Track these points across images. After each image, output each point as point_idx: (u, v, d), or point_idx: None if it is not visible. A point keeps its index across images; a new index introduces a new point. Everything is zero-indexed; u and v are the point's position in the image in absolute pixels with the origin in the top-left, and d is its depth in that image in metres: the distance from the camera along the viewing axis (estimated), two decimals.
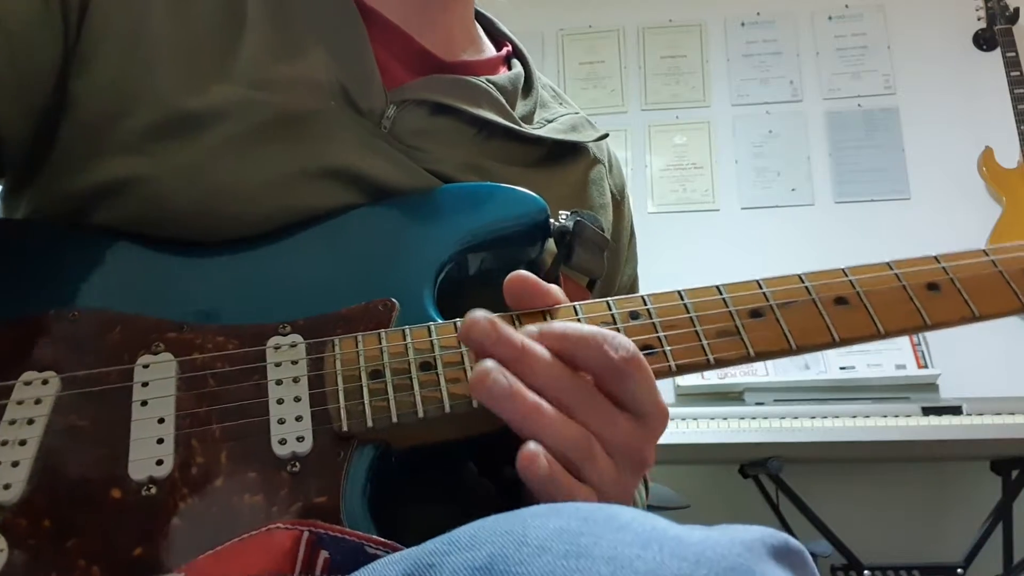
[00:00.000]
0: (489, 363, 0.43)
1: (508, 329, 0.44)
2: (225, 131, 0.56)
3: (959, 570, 2.12)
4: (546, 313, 0.50)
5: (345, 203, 0.57)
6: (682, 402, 2.15)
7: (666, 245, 2.60)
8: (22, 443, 0.44)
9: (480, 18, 0.76)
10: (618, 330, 0.49)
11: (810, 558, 0.34)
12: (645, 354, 0.46)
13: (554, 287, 0.50)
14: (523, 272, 0.50)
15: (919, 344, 2.30)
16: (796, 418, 1.95)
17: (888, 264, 0.54)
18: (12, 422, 0.45)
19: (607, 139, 0.74)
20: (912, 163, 2.62)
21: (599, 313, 0.50)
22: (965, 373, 2.19)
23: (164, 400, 0.47)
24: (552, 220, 0.58)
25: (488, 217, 0.57)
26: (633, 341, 0.45)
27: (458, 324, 0.49)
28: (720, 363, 0.50)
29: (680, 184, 2.74)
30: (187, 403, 0.47)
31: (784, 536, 0.33)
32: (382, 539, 0.40)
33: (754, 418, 1.96)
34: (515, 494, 0.53)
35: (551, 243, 0.60)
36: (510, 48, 0.75)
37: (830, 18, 2.81)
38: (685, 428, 1.96)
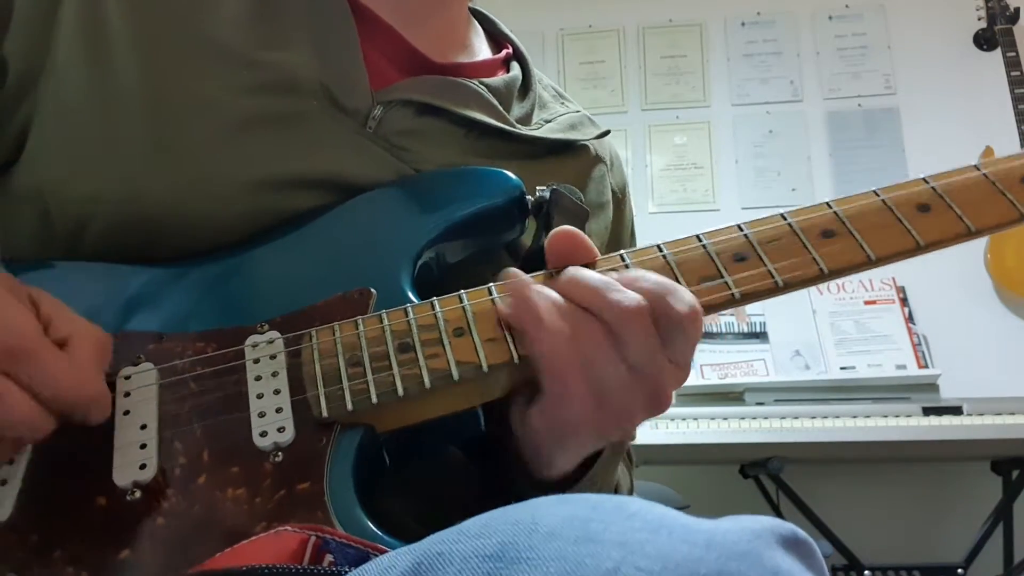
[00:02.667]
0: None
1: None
2: (200, 128, 0.56)
3: (959, 570, 2.12)
4: (595, 263, 0.50)
5: (324, 205, 0.57)
6: (682, 402, 2.15)
7: None
8: (10, 462, 0.45)
9: (481, 19, 0.75)
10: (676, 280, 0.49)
11: (817, 549, 0.33)
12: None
13: (589, 243, 0.51)
14: (569, 228, 0.51)
15: (919, 344, 2.30)
16: (796, 418, 1.95)
17: (874, 191, 0.53)
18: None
19: (608, 136, 0.73)
20: (912, 163, 2.62)
21: (649, 256, 0.51)
22: (965, 373, 2.19)
23: (146, 407, 0.47)
24: (529, 196, 0.58)
25: (463, 196, 0.57)
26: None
27: (435, 303, 0.49)
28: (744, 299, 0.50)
29: (680, 184, 2.74)
30: (169, 408, 0.47)
31: (792, 526, 0.33)
32: (387, 549, 0.40)
33: (754, 418, 1.96)
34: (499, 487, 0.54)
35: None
36: (510, 50, 0.74)
37: (830, 18, 2.80)
38: (685, 428, 1.96)
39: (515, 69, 0.72)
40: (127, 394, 0.48)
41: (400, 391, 0.46)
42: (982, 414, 1.90)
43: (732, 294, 0.49)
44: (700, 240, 0.51)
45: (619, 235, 0.73)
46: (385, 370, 0.47)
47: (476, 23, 0.75)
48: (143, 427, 0.46)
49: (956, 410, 1.92)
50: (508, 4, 2.62)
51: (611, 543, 0.30)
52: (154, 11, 0.59)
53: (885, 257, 0.51)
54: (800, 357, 2.31)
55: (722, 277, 0.49)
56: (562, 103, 0.74)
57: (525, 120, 0.68)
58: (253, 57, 0.58)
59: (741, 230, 0.51)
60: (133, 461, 0.45)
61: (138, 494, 0.44)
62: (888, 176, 2.62)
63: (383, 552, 0.39)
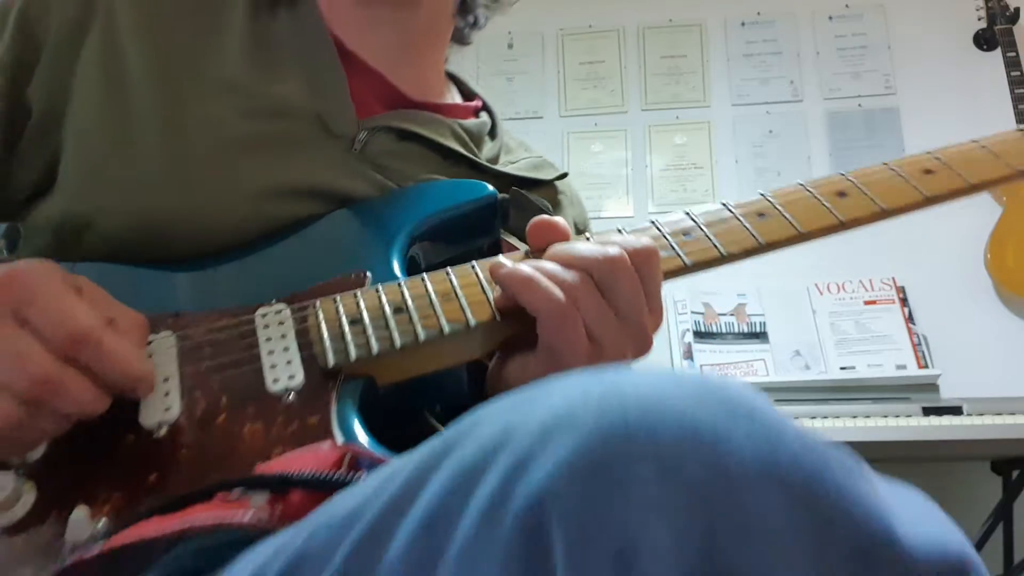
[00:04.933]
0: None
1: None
2: (208, 145, 0.63)
3: None
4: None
5: (319, 214, 0.64)
6: None
7: None
8: None
9: (453, 79, 0.86)
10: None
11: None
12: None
13: (565, 224, 0.58)
14: (545, 216, 0.58)
15: (919, 344, 2.30)
16: (796, 418, 1.93)
17: (885, 163, 0.64)
18: None
19: (567, 178, 0.82)
20: None
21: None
22: (965, 373, 2.19)
23: (168, 364, 0.53)
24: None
25: (444, 197, 0.65)
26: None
27: (424, 277, 0.56)
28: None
29: (680, 184, 2.74)
30: (188, 364, 0.53)
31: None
32: None
33: None
34: None
35: None
36: (480, 104, 0.84)
37: (830, 18, 2.80)
38: None
39: (484, 117, 0.82)
40: (149, 355, 0.53)
41: (398, 343, 0.52)
42: (982, 414, 1.90)
43: (684, 263, 0.58)
44: (654, 223, 0.61)
45: None
46: (383, 327, 0.53)
47: (450, 80, 0.86)
48: (165, 379, 0.52)
49: (956, 410, 1.91)
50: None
51: (604, 377, 0.32)
52: (165, 47, 0.66)
53: (812, 232, 0.60)
54: (800, 357, 2.30)
55: (673, 249, 0.58)
56: (525, 150, 0.84)
57: (493, 161, 0.77)
58: (253, 89, 0.66)
59: (689, 215, 0.61)
60: (159, 405, 0.51)
61: (164, 431, 0.50)
62: None
63: None
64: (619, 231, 0.58)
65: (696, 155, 2.76)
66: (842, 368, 2.25)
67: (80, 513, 0.46)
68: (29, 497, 0.47)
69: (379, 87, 0.73)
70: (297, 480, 0.43)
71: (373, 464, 0.44)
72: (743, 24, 2.84)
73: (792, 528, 0.28)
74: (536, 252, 0.57)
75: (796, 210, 0.60)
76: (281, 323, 0.55)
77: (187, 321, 0.56)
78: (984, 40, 2.66)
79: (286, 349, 0.53)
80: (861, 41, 2.76)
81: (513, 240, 0.67)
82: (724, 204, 0.60)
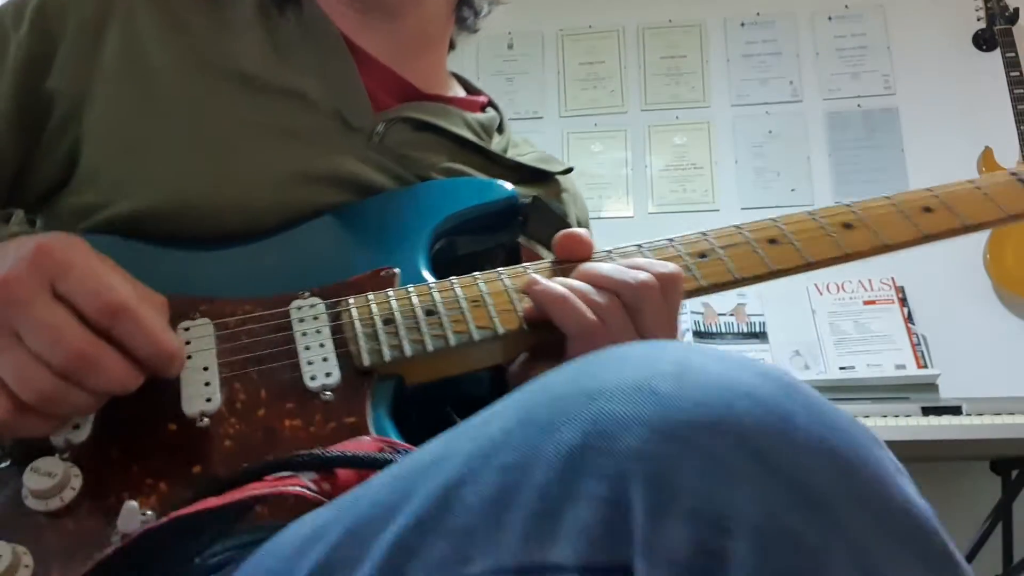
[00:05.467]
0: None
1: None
2: (234, 132, 0.64)
3: None
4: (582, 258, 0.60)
5: (341, 203, 0.66)
6: None
7: None
8: None
9: (457, 77, 0.88)
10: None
11: None
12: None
13: (590, 238, 0.61)
14: (574, 230, 0.61)
15: (919, 344, 2.30)
16: None
17: (886, 197, 0.66)
18: None
19: (570, 175, 0.84)
20: (912, 163, 2.62)
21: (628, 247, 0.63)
22: (965, 373, 2.19)
23: (206, 353, 0.54)
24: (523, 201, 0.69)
25: (465, 198, 0.67)
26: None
27: (453, 281, 0.59)
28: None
29: (680, 184, 2.74)
30: (226, 355, 0.55)
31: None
32: None
33: None
34: None
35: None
36: (486, 99, 0.85)
37: (830, 18, 2.81)
38: None
39: (492, 112, 0.84)
40: (187, 343, 0.55)
41: (430, 347, 0.55)
42: (981, 414, 1.90)
43: (700, 284, 0.60)
44: (672, 242, 0.63)
45: None
46: (415, 330, 0.55)
47: (454, 78, 0.87)
48: (205, 368, 0.54)
49: (955, 410, 1.92)
50: (508, 4, 2.62)
51: (672, 350, 0.34)
52: (186, 44, 0.68)
53: (896, 245, 0.63)
54: (800, 357, 2.31)
55: (690, 271, 0.61)
56: (529, 146, 0.85)
57: (502, 153, 0.78)
58: (274, 83, 0.68)
59: (705, 235, 0.63)
60: (200, 394, 0.52)
61: (206, 421, 0.52)
62: (887, 176, 2.63)
63: None
64: (640, 249, 0.62)
65: (696, 155, 2.76)
66: (841, 368, 2.25)
67: (132, 503, 0.47)
68: (76, 482, 0.48)
69: (389, 81, 0.74)
70: (343, 460, 0.45)
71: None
72: (743, 24, 2.84)
73: (844, 497, 0.30)
74: (562, 263, 0.60)
75: (804, 239, 0.62)
76: (316, 318, 0.56)
77: (221, 308, 0.57)
78: (983, 40, 2.66)
79: (322, 345, 0.55)
80: (860, 41, 2.77)
81: (537, 247, 0.69)
82: (738, 228, 0.63)
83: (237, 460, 0.50)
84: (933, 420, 1.90)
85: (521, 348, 0.59)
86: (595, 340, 0.53)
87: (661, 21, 2.88)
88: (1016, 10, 2.57)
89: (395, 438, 0.51)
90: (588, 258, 0.60)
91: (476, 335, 0.55)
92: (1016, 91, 2.45)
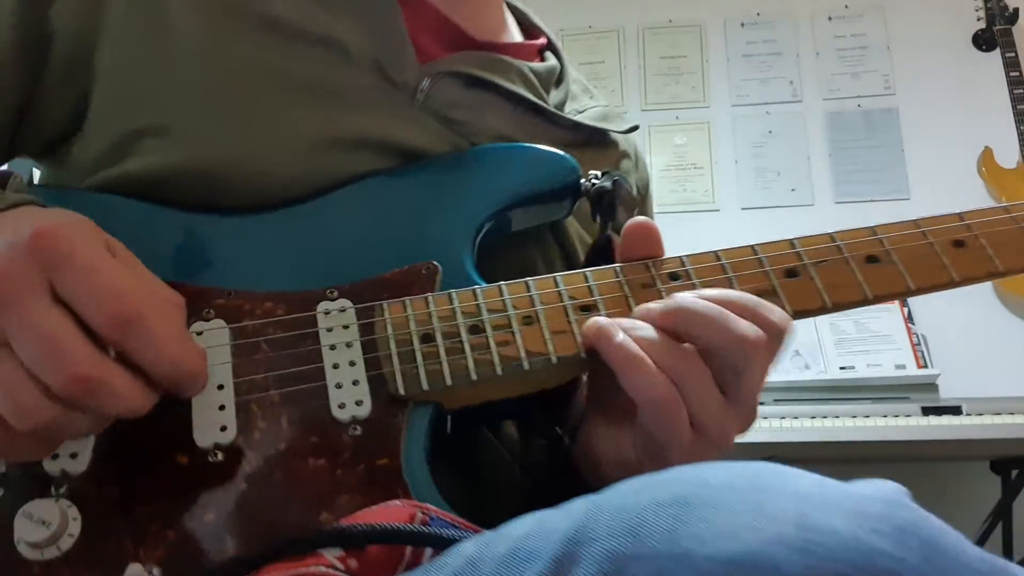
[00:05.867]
0: (602, 319, 0.48)
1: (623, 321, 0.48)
2: (261, 88, 0.56)
3: None
4: (648, 263, 0.53)
5: (379, 170, 0.57)
6: None
7: (666, 246, 2.58)
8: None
9: (515, 11, 0.76)
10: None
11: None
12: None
13: (658, 232, 0.53)
14: (644, 219, 0.53)
15: (919, 344, 2.30)
16: (796, 418, 1.95)
17: (915, 222, 0.55)
18: None
19: (636, 132, 0.74)
20: (912, 163, 2.62)
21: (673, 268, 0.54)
22: (965, 373, 2.19)
23: (222, 367, 0.47)
24: (584, 180, 0.59)
25: (522, 176, 0.58)
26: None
27: (503, 287, 0.51)
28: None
29: (680, 184, 2.74)
30: (244, 369, 0.47)
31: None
32: (480, 529, 0.40)
33: None
34: (544, 470, 0.56)
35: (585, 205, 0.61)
36: (545, 41, 0.74)
37: (830, 18, 2.81)
38: None
39: (551, 59, 0.72)
40: None
41: (473, 376, 0.48)
42: (981, 414, 1.90)
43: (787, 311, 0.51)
44: (755, 251, 0.54)
45: None
46: (458, 352, 0.49)
47: (509, 12, 0.76)
48: (220, 387, 0.46)
49: (955, 410, 1.92)
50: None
51: (786, 495, 0.30)
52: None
53: (922, 288, 0.53)
54: (799, 357, 2.31)
55: (776, 293, 0.51)
56: (590, 97, 0.75)
57: (559, 108, 0.68)
58: (308, 31, 0.59)
59: (795, 249, 0.54)
60: (213, 422, 0.45)
61: (220, 456, 0.45)
62: (887, 176, 2.63)
63: (478, 532, 0.39)
64: (718, 258, 0.53)
65: (696, 155, 2.76)
66: (841, 368, 2.25)
67: (136, 568, 0.41)
68: (75, 527, 0.42)
69: (438, 26, 0.64)
70: (373, 534, 0.39)
71: (442, 524, 0.41)
72: (743, 25, 2.84)
73: None
74: (630, 259, 0.53)
75: (906, 258, 0.53)
76: (345, 327, 0.49)
77: (239, 304, 0.50)
78: (983, 40, 2.66)
79: (352, 364, 0.48)
80: (860, 42, 2.77)
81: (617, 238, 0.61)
82: (832, 237, 0.55)
83: (254, 509, 0.44)
84: (933, 420, 1.90)
85: (576, 373, 0.51)
86: (670, 417, 0.45)
87: (661, 21, 2.88)
88: (1016, 10, 2.57)
89: (430, 487, 0.45)
90: (658, 255, 0.53)
91: (527, 364, 0.48)
92: (1016, 91, 2.45)
